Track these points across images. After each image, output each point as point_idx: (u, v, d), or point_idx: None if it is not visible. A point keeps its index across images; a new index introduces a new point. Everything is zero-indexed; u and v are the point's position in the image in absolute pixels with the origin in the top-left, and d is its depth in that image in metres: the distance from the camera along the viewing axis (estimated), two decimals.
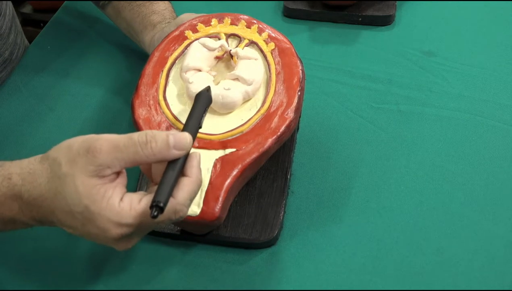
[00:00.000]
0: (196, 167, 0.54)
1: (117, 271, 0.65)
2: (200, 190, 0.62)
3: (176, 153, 0.52)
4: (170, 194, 0.51)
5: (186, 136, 0.53)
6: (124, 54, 0.92)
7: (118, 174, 0.53)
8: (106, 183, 0.51)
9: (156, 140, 0.51)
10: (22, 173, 0.54)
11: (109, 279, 0.64)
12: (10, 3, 0.92)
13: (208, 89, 0.61)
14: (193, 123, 0.57)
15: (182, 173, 0.53)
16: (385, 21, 0.95)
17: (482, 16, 0.96)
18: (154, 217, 0.49)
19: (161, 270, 0.65)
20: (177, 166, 0.53)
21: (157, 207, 0.49)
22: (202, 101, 0.59)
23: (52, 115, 0.83)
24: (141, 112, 0.66)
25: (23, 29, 0.99)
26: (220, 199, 0.61)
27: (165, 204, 0.50)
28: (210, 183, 0.62)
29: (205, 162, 0.63)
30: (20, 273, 0.65)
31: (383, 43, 0.92)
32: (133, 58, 0.90)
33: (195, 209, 0.61)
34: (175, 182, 0.52)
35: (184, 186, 0.52)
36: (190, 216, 0.61)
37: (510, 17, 0.95)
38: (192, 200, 0.54)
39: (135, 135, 0.52)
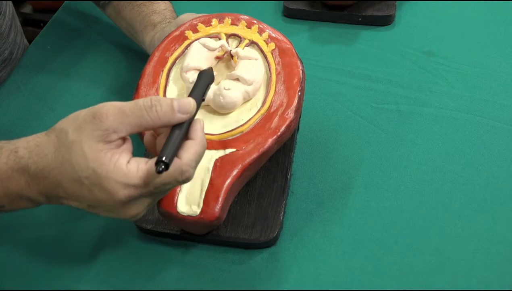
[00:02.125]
0: (200, 131, 0.55)
1: (117, 271, 0.65)
2: (200, 190, 0.62)
3: (180, 116, 0.53)
4: (175, 152, 0.52)
5: (190, 100, 0.54)
6: (124, 54, 0.92)
7: (124, 140, 0.53)
8: (113, 148, 0.52)
9: (161, 104, 0.52)
10: (29, 146, 0.54)
11: (109, 279, 0.64)
12: (10, 2, 0.92)
13: (211, 69, 0.62)
14: (197, 93, 0.58)
15: (186, 137, 0.54)
16: (385, 21, 0.95)
17: (482, 16, 0.96)
18: (159, 172, 0.50)
19: (161, 270, 0.65)
20: (182, 128, 0.53)
21: (162, 162, 0.50)
22: (205, 78, 0.60)
23: (52, 115, 0.83)
24: None
25: (23, 29, 0.99)
26: (220, 199, 0.61)
27: (170, 160, 0.51)
28: (210, 183, 0.62)
29: (205, 162, 0.63)
30: (18, 273, 0.65)
31: (383, 43, 0.92)
32: (133, 58, 0.90)
33: (195, 209, 0.61)
34: (180, 143, 0.53)
35: (190, 148, 0.53)
36: (190, 216, 0.61)
37: (510, 17, 0.95)
38: (198, 161, 0.54)
39: (140, 100, 0.52)
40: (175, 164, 0.52)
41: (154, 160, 0.52)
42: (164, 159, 0.50)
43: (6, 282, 0.65)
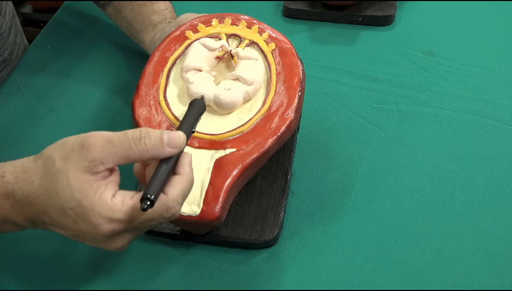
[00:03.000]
0: (188, 165, 0.54)
1: (117, 271, 0.65)
2: (200, 190, 0.62)
3: (169, 151, 0.52)
4: (161, 188, 0.51)
5: (180, 134, 0.54)
6: (124, 54, 0.92)
7: (111, 171, 0.53)
8: (99, 179, 0.51)
9: (150, 137, 0.52)
10: (16, 171, 0.54)
11: (109, 279, 0.64)
12: (10, 3, 0.92)
13: (202, 97, 0.62)
14: (186, 126, 0.57)
15: (174, 171, 0.54)
16: (385, 21, 0.95)
17: (482, 16, 0.96)
18: (144, 209, 0.49)
19: (161, 270, 0.65)
20: (170, 163, 0.53)
21: (147, 199, 0.49)
22: (196, 107, 0.60)
23: (52, 115, 0.83)
24: (141, 112, 0.66)
25: (23, 29, 0.99)
26: (220, 199, 0.61)
27: (156, 197, 0.50)
28: (210, 183, 0.62)
29: (205, 162, 0.63)
30: (17, 273, 0.65)
31: (383, 43, 0.92)
32: (133, 58, 0.90)
33: (195, 209, 0.61)
34: (167, 178, 0.52)
35: (177, 183, 0.52)
36: (190, 216, 0.61)
37: (510, 17, 0.95)
38: (185, 198, 0.53)
39: (130, 131, 0.52)
40: (161, 200, 0.51)
41: (139, 195, 0.51)
42: (149, 196, 0.50)
43: (7, 282, 0.65)
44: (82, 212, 0.51)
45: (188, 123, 0.57)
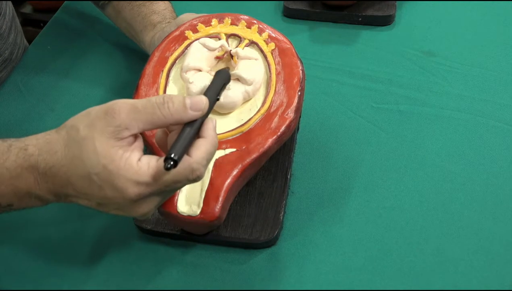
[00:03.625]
0: (212, 129, 0.55)
1: (117, 271, 0.65)
2: (200, 190, 0.62)
3: (192, 114, 0.53)
4: (184, 150, 0.52)
5: (203, 98, 0.54)
6: (124, 54, 0.92)
7: (135, 138, 0.53)
8: (124, 145, 0.52)
9: (173, 101, 0.52)
10: (38, 143, 0.54)
11: (109, 279, 0.64)
12: (10, 3, 0.92)
13: (227, 68, 0.62)
14: (211, 92, 0.58)
15: (198, 135, 0.54)
16: (385, 21, 0.95)
17: (482, 16, 0.96)
18: (168, 169, 0.50)
19: (161, 270, 0.65)
20: (194, 126, 0.53)
21: (170, 159, 0.50)
22: (221, 77, 0.60)
23: (52, 115, 0.83)
24: None
25: (23, 29, 0.99)
26: (220, 199, 0.61)
27: (180, 157, 0.51)
28: (210, 183, 0.62)
29: None
30: (16, 272, 0.65)
31: (383, 43, 0.92)
32: (133, 58, 0.90)
33: (195, 209, 0.61)
34: (191, 141, 0.53)
35: (201, 146, 0.53)
36: (190, 216, 0.61)
37: (510, 17, 0.95)
38: (209, 160, 0.54)
39: (153, 98, 0.53)
40: (186, 162, 0.52)
41: (164, 157, 0.52)
42: (173, 155, 0.50)
43: (6, 283, 0.65)
44: (107, 177, 0.51)
45: (212, 91, 0.58)
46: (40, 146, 0.54)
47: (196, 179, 0.53)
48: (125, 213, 0.54)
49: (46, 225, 0.69)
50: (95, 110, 0.53)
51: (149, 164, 0.52)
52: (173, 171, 0.51)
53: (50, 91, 0.87)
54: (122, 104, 0.52)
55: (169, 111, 0.52)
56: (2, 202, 0.56)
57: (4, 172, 0.54)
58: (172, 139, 0.55)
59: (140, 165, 0.51)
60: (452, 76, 0.86)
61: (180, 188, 0.55)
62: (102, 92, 0.86)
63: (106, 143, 0.51)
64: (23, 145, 0.55)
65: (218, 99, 0.59)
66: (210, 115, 0.66)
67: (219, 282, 0.64)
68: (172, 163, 0.50)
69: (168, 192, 0.55)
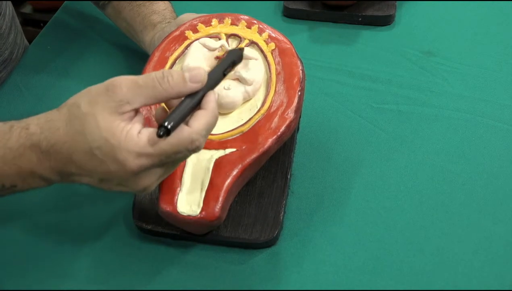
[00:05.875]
0: (213, 102, 0.55)
1: (117, 271, 0.65)
2: (200, 190, 0.62)
3: (192, 86, 0.54)
4: (181, 118, 0.52)
5: (201, 70, 0.55)
6: (124, 54, 0.92)
7: (136, 112, 0.54)
8: (125, 119, 0.52)
9: (173, 75, 0.53)
10: (40, 122, 0.55)
11: (109, 279, 0.64)
12: (9, 3, 0.92)
13: (241, 49, 0.63)
14: (217, 68, 0.59)
15: (199, 107, 0.55)
16: (385, 21, 0.95)
17: (482, 16, 0.96)
18: (160, 136, 0.51)
19: (161, 270, 0.65)
20: (194, 98, 0.54)
21: (164, 127, 0.51)
22: (232, 55, 0.61)
23: None
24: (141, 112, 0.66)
25: (23, 29, 0.99)
26: (220, 199, 0.61)
27: (174, 126, 0.51)
28: (210, 183, 0.62)
29: (205, 161, 0.63)
30: (15, 271, 0.65)
31: (383, 43, 0.92)
32: (133, 58, 0.90)
33: (195, 209, 0.61)
34: (189, 111, 0.54)
35: (201, 117, 0.54)
36: (190, 216, 0.61)
37: (510, 17, 0.95)
38: (209, 131, 0.54)
39: (153, 73, 0.53)
40: (185, 133, 0.52)
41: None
42: (166, 123, 0.51)
43: (4, 283, 0.65)
44: (109, 150, 0.51)
45: (221, 65, 0.59)
46: (42, 125, 0.54)
47: (196, 149, 0.54)
48: (128, 187, 0.55)
49: (45, 226, 0.69)
50: (95, 87, 0.53)
51: (149, 136, 0.52)
52: (172, 141, 0.52)
53: (50, 91, 0.87)
54: (123, 80, 0.52)
55: (169, 84, 0.53)
56: (6, 183, 0.56)
57: (7, 152, 0.55)
58: None
59: (141, 137, 0.52)
60: (452, 76, 0.86)
61: (181, 159, 0.55)
62: None
63: (108, 118, 0.52)
64: (25, 125, 0.55)
65: (225, 75, 0.59)
66: None
67: (219, 282, 0.64)
68: (165, 130, 0.51)
69: (170, 164, 0.55)
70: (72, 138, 0.53)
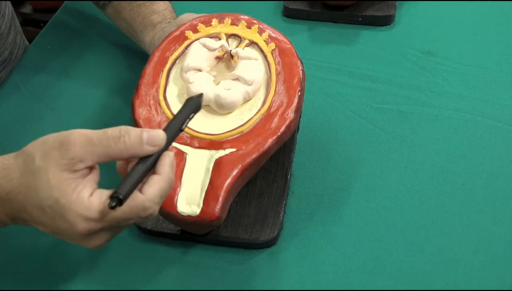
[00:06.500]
0: (168, 165, 0.53)
1: (117, 271, 0.65)
2: (200, 190, 0.62)
3: (148, 149, 0.52)
4: (133, 186, 0.51)
5: (160, 133, 0.53)
6: (124, 54, 0.92)
7: (90, 169, 0.53)
8: (78, 178, 0.51)
9: (130, 135, 0.51)
10: None
11: (109, 279, 0.64)
12: (9, 3, 0.92)
13: (199, 96, 0.60)
14: (174, 124, 0.56)
15: (154, 171, 0.53)
16: (385, 21, 0.95)
17: (482, 16, 0.96)
18: (112, 207, 0.49)
19: (161, 270, 0.65)
20: (148, 162, 0.52)
21: (116, 198, 0.49)
22: (190, 106, 0.58)
23: (52, 115, 0.83)
24: (141, 112, 0.66)
25: (23, 29, 0.99)
26: (220, 199, 0.61)
27: (126, 196, 0.50)
28: (210, 183, 0.62)
29: (205, 162, 0.63)
30: (14, 270, 0.65)
31: (383, 43, 0.92)
32: (133, 58, 0.90)
33: (195, 209, 0.61)
34: (142, 177, 0.52)
35: (154, 183, 0.52)
36: (190, 216, 0.61)
37: (510, 17, 0.95)
38: (162, 198, 0.53)
39: (109, 130, 0.52)
40: (138, 199, 0.51)
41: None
42: (118, 194, 0.49)
43: (4, 283, 0.65)
44: (59, 210, 0.51)
45: (177, 121, 0.56)
46: None
47: (149, 216, 0.52)
48: (78, 244, 0.54)
49: None
50: (51, 139, 0.52)
51: (100, 200, 0.51)
52: (124, 209, 0.50)
53: (50, 91, 0.87)
54: (77, 136, 0.51)
55: (125, 145, 0.51)
56: None
57: None
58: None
59: (92, 200, 0.51)
60: (452, 76, 0.86)
61: (132, 223, 0.54)
62: (102, 92, 0.86)
63: (60, 176, 0.51)
64: None
65: (182, 130, 0.57)
66: (209, 116, 0.66)
67: (219, 282, 0.64)
68: (117, 201, 0.49)
69: (120, 228, 0.54)
70: (25, 190, 0.52)
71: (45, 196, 0.51)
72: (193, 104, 0.58)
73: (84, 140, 0.51)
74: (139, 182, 0.51)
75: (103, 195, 0.51)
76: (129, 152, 0.52)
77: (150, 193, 0.51)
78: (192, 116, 0.58)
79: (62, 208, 0.50)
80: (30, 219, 0.54)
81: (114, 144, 0.51)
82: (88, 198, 0.51)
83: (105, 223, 0.51)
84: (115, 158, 0.52)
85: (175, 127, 0.56)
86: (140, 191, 0.51)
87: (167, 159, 0.53)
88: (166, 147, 0.53)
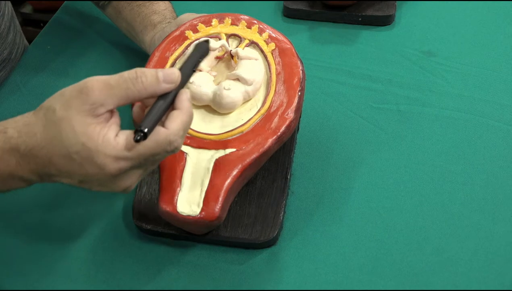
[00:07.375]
0: (187, 100, 0.55)
1: (117, 271, 0.65)
2: (200, 190, 0.62)
3: (166, 86, 0.53)
4: (156, 121, 0.52)
5: (175, 70, 0.54)
6: (124, 54, 0.92)
7: (111, 113, 0.54)
8: (101, 122, 0.52)
9: (146, 75, 0.53)
10: (17, 125, 0.55)
11: (109, 279, 0.64)
12: (8, 2, 0.92)
13: (206, 41, 0.62)
14: (186, 66, 0.58)
15: (173, 107, 0.55)
16: (385, 21, 0.95)
17: (482, 16, 0.96)
18: (137, 141, 0.50)
19: (161, 270, 0.65)
20: (167, 98, 0.54)
21: (140, 131, 0.51)
22: (199, 50, 0.60)
23: None
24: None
25: (23, 29, 0.99)
26: (220, 199, 0.61)
27: (150, 129, 0.51)
28: (210, 183, 0.62)
29: (205, 161, 0.63)
30: (13, 271, 0.65)
31: (383, 43, 0.92)
32: (133, 58, 0.90)
33: (195, 208, 0.61)
34: (163, 113, 0.53)
35: (176, 118, 0.53)
36: (190, 216, 0.61)
37: (510, 17, 0.95)
38: (185, 131, 0.54)
39: (126, 73, 0.53)
40: (162, 134, 0.52)
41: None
42: (142, 128, 0.51)
43: (5, 283, 0.65)
44: (87, 154, 0.51)
45: (189, 63, 0.58)
46: (20, 128, 0.54)
47: (174, 150, 0.54)
48: (108, 188, 0.55)
49: (45, 225, 0.69)
50: (69, 90, 0.53)
51: (127, 139, 0.52)
52: (150, 144, 0.52)
53: (50, 91, 0.85)
54: (95, 82, 0.52)
55: (143, 85, 0.52)
56: None
57: None
58: None
59: (118, 140, 0.52)
60: (452, 76, 0.86)
61: (160, 160, 0.55)
62: None
63: (83, 122, 0.51)
64: (2, 128, 0.55)
65: (194, 71, 0.59)
66: (209, 116, 0.66)
67: (219, 282, 0.64)
68: (142, 135, 0.51)
69: (149, 165, 0.55)
70: (49, 143, 0.53)
71: (71, 143, 0.51)
72: (202, 49, 0.61)
73: (102, 85, 0.52)
74: (161, 117, 0.53)
75: (128, 134, 0.53)
76: (148, 91, 0.53)
77: (173, 127, 0.53)
78: (202, 59, 0.61)
79: (90, 152, 0.51)
80: (56, 173, 0.54)
81: (133, 85, 0.52)
82: (114, 139, 0.52)
83: (133, 160, 0.52)
84: (133, 99, 0.53)
85: (188, 68, 0.58)
86: (164, 126, 0.53)
87: (185, 95, 0.55)
88: (182, 85, 0.55)
